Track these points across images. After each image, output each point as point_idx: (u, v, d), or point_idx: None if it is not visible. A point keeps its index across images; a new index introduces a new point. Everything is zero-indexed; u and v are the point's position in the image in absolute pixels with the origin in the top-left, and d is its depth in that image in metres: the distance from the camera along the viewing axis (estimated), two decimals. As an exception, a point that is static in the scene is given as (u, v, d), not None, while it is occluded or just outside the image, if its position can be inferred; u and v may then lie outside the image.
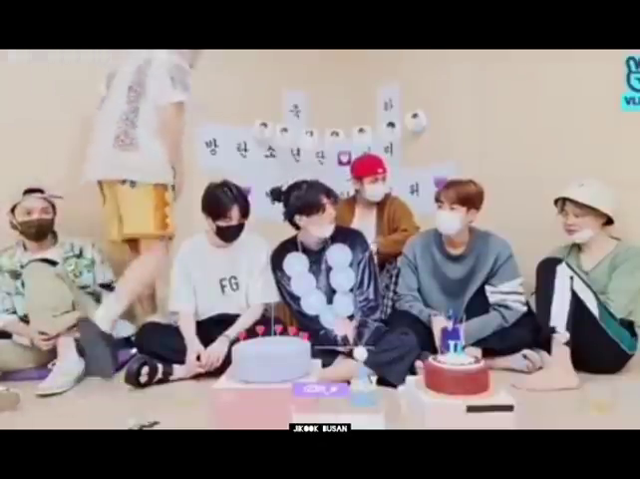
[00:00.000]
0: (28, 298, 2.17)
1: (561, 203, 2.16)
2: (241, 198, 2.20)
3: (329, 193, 2.22)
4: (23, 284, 2.23)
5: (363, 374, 1.71)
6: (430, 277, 2.31)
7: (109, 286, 2.42)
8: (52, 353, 2.18)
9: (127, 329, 2.40)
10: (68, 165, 2.54)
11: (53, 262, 2.25)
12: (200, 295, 2.29)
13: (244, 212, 2.21)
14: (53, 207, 2.37)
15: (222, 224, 2.18)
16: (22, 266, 2.27)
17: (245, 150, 2.89)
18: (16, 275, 2.28)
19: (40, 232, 2.33)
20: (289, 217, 2.26)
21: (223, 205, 2.16)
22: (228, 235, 2.23)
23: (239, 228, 2.23)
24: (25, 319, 2.26)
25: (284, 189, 2.29)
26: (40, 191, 2.33)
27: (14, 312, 2.28)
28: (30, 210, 2.28)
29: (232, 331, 2.12)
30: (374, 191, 2.80)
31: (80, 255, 2.40)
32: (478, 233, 2.27)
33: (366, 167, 2.81)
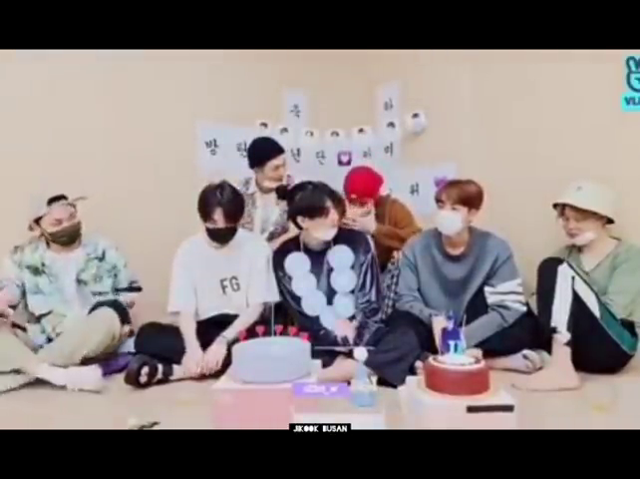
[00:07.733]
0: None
1: (561, 207, 2.16)
2: (229, 202, 2.13)
3: (334, 196, 2.20)
4: (49, 280, 2.21)
5: (363, 374, 1.72)
6: (430, 277, 2.30)
7: (129, 289, 2.40)
8: None
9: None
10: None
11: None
12: (201, 296, 2.29)
13: (230, 215, 2.14)
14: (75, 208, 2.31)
15: (209, 226, 2.17)
16: (43, 264, 2.25)
17: (245, 150, 2.88)
18: (37, 272, 2.25)
19: (72, 238, 2.29)
20: (292, 217, 2.25)
21: (207, 207, 2.14)
22: (216, 237, 2.21)
23: (228, 231, 2.19)
24: (39, 319, 2.23)
25: (290, 187, 2.28)
26: (63, 197, 2.26)
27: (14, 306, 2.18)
28: (59, 219, 2.22)
29: (230, 332, 2.12)
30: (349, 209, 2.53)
31: (102, 258, 2.36)
32: (477, 233, 2.27)
33: (347, 186, 2.62)
